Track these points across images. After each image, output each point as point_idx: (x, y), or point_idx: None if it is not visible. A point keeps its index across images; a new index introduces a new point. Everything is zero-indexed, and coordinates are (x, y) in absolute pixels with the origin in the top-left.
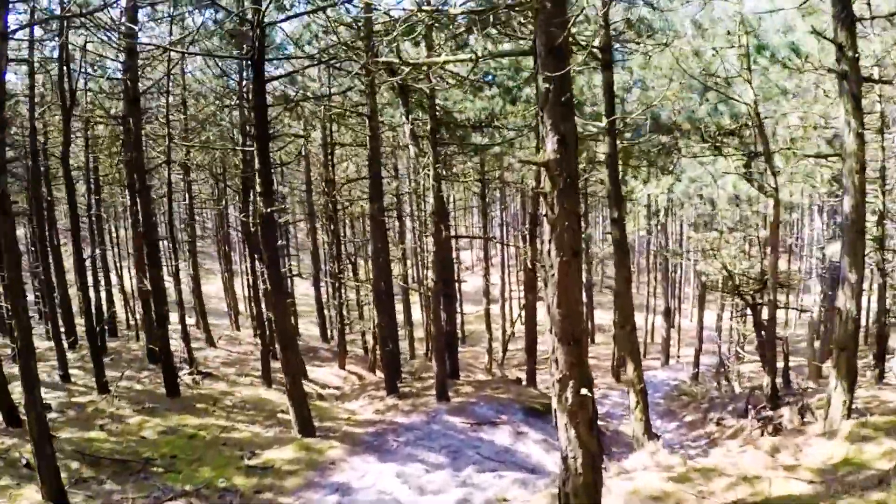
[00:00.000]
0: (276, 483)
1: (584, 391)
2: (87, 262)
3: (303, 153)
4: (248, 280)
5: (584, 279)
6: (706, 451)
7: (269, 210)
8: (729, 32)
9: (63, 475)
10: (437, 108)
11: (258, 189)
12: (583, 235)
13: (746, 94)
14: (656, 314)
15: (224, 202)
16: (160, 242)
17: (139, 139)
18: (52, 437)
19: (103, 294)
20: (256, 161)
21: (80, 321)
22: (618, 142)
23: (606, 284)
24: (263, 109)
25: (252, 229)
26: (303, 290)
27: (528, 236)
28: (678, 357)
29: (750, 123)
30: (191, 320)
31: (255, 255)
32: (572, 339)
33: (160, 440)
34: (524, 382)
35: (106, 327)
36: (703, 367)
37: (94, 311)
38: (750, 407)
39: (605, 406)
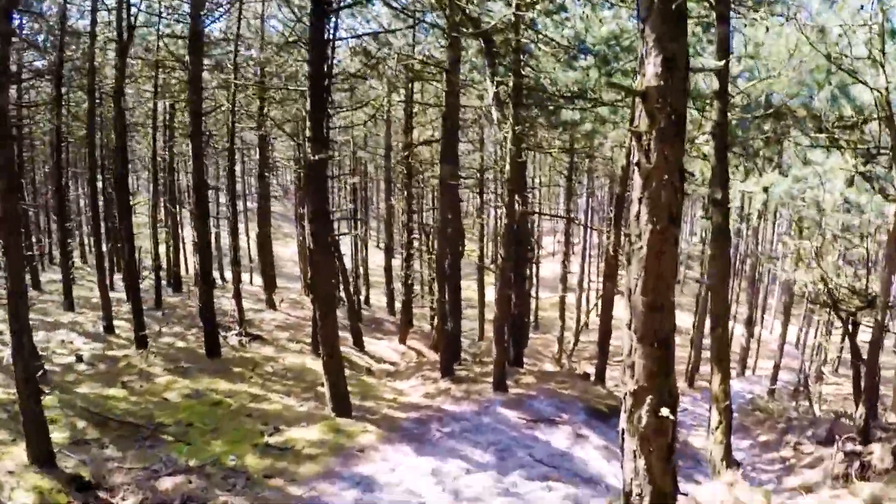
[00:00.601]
0: (290, 468)
1: (664, 412)
2: (140, 212)
3: (383, 116)
4: None
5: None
6: (780, 478)
7: (317, 157)
8: (861, 7)
9: (65, 434)
10: (524, 73)
11: (308, 133)
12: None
13: (877, 81)
14: (735, 322)
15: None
16: (217, 195)
17: (198, 78)
18: (40, 392)
19: (173, 247)
20: (308, 101)
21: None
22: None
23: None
24: (320, 44)
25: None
26: (378, 260)
27: (612, 219)
28: (755, 369)
29: (877, 115)
30: (258, 281)
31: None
32: (657, 339)
33: (182, 404)
34: (592, 379)
35: (171, 281)
36: (781, 383)
37: (139, 261)
38: (837, 437)
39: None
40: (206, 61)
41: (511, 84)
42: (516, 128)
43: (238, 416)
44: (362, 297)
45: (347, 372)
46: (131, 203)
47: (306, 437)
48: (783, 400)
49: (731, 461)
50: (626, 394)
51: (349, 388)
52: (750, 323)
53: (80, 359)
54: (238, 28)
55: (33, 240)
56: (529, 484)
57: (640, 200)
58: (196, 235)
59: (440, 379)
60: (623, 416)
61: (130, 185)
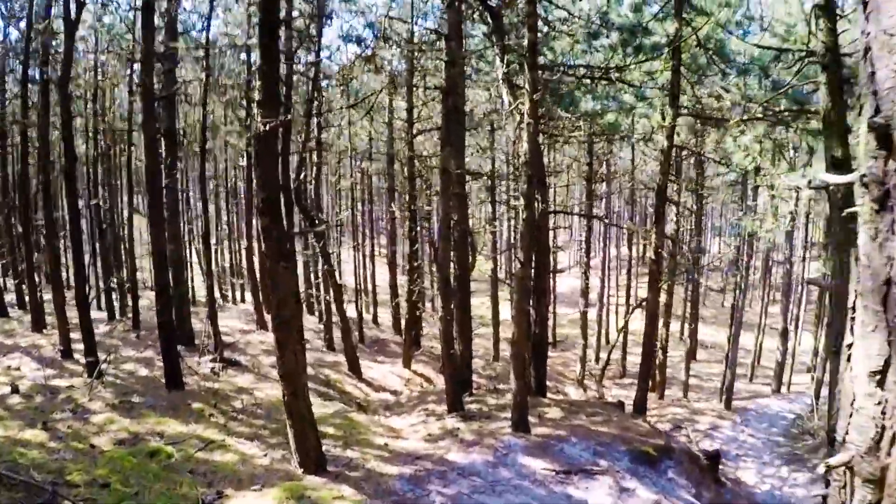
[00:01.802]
0: None
1: None
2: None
3: (383, 119)
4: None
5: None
6: None
7: (267, 126)
8: None
9: None
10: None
11: (257, 97)
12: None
13: None
14: (764, 334)
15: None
16: (175, 193)
17: (150, 55)
18: None
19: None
20: (258, 52)
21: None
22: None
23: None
24: None
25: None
26: (386, 275)
27: (655, 215)
28: (790, 385)
29: None
30: (249, 298)
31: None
32: None
33: (109, 454)
34: (630, 409)
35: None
36: (823, 399)
37: (87, 271)
38: None
39: (715, 440)
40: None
41: (526, 43)
42: (534, 95)
43: (175, 473)
44: (369, 316)
45: (334, 407)
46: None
47: None
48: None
49: None
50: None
51: (332, 430)
52: (785, 335)
53: (15, 389)
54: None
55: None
56: None
57: None
58: (151, 241)
59: (446, 415)
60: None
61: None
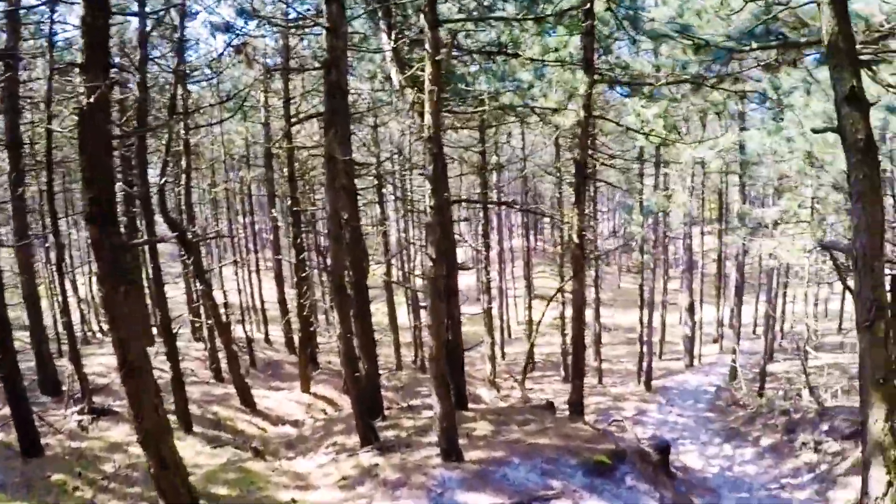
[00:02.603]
0: None
1: None
2: None
3: (260, 120)
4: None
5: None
6: (823, 492)
7: (92, 97)
8: None
9: None
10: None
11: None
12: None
13: None
14: (667, 310)
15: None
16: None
17: None
18: None
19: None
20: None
21: None
22: None
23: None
24: None
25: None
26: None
27: (575, 193)
28: (700, 357)
29: None
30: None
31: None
32: None
33: None
34: (563, 411)
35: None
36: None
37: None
38: None
39: (647, 426)
40: None
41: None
42: (437, 56)
43: None
44: (262, 336)
45: (226, 455)
46: None
47: None
48: (747, 387)
49: None
50: None
51: (224, 490)
52: (692, 310)
53: None
54: None
55: None
56: None
57: None
58: None
59: (359, 449)
60: None
61: None
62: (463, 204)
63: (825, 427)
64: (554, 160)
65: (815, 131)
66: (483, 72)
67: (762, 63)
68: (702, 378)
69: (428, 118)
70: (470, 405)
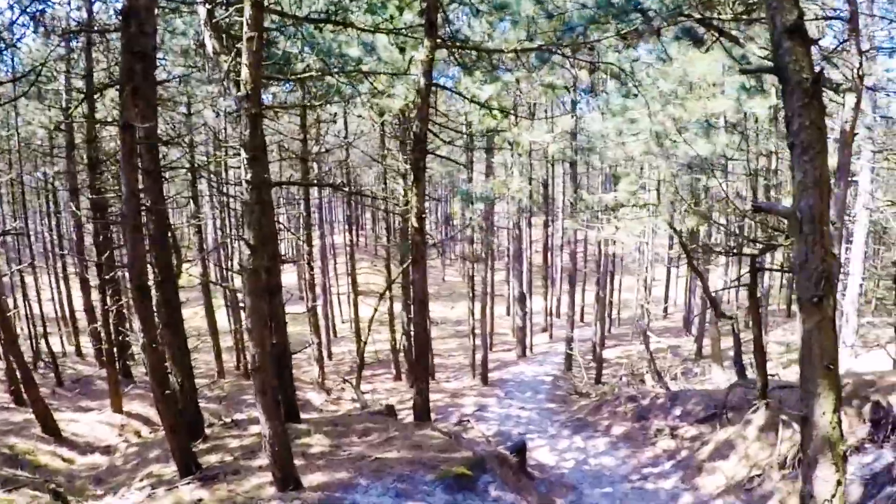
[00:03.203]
0: None
1: None
2: None
3: (58, 103)
4: None
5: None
6: (688, 479)
7: None
8: None
9: None
10: None
11: None
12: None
13: None
14: (494, 301)
15: None
16: None
17: None
18: None
19: None
20: None
21: None
22: None
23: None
24: None
25: None
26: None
27: (413, 172)
28: (531, 347)
29: None
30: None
31: None
32: None
33: None
34: (405, 414)
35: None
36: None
37: None
38: (724, 411)
39: (490, 422)
40: None
41: None
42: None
43: None
44: (73, 348)
45: (23, 502)
46: None
47: None
48: (588, 377)
49: None
50: None
51: None
52: (523, 300)
53: None
54: None
55: None
56: None
57: None
58: None
59: (179, 480)
60: None
61: None
62: (283, 197)
63: (677, 412)
64: (379, 145)
65: (744, 72)
66: (306, 44)
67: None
68: (537, 368)
69: (245, 73)
70: (302, 415)
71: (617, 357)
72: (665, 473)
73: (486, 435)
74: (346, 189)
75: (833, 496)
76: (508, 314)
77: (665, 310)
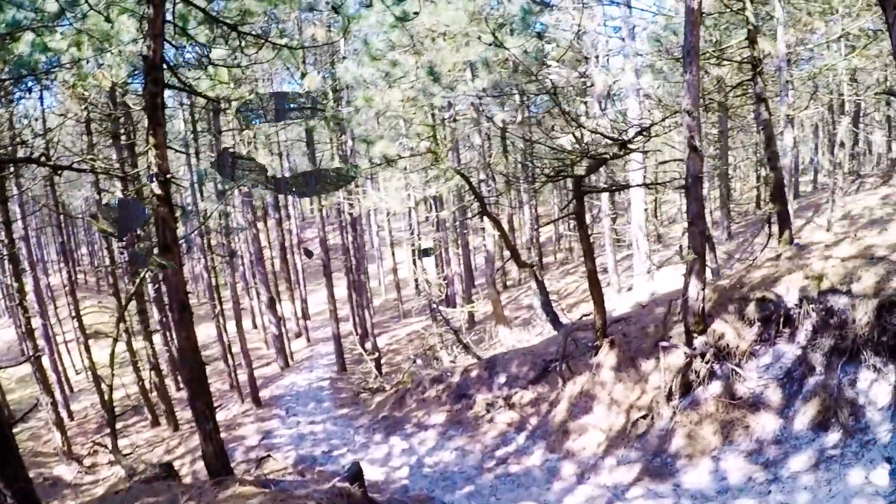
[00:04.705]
0: None
1: None
2: None
3: None
4: None
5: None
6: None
7: None
8: None
9: None
10: None
11: None
12: None
13: None
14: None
15: None
16: None
17: None
18: None
19: None
20: None
21: None
22: None
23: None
24: None
25: None
26: None
27: (148, 110)
28: (292, 355)
29: None
30: None
31: None
32: None
33: None
34: (192, 472)
35: None
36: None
37: None
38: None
39: (283, 449)
40: None
41: None
42: None
43: None
44: None
45: None
46: None
47: None
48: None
49: None
50: None
51: None
52: (273, 305)
53: None
54: None
55: None
56: None
57: None
58: None
59: None
60: None
61: None
62: None
63: (502, 379)
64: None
65: None
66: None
67: None
68: (308, 375)
69: None
70: (52, 503)
71: (386, 344)
72: (523, 449)
73: (287, 465)
74: (49, 163)
75: None
76: (255, 327)
77: (445, 278)
